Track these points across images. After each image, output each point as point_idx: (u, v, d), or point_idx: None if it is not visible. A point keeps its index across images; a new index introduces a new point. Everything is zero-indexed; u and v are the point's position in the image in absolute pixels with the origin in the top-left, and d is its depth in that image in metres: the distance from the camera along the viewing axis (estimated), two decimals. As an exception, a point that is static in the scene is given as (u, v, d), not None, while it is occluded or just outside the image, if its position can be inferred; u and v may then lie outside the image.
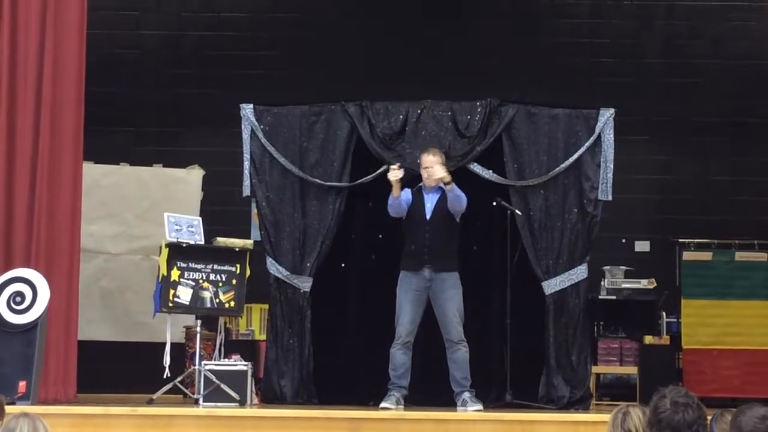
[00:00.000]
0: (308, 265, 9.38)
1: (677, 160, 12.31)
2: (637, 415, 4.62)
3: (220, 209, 11.33)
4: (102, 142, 10.97)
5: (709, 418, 4.58)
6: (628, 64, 12.24)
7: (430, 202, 8.81)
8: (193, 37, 12.35)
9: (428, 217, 8.78)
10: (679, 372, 11.13)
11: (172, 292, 8.89)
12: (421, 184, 8.86)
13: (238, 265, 9.14)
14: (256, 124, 9.51)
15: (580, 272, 9.34)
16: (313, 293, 9.38)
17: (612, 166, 9.38)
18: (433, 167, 8.66)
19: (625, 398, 10.15)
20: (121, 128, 11.98)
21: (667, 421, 4.35)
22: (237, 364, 8.91)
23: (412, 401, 8.71)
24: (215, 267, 9.07)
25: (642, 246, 12.19)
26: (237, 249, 9.20)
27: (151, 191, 11.75)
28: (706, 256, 11.52)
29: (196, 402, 8.71)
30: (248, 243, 9.39)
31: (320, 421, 7.84)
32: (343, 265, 9.83)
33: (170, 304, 8.91)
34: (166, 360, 8.88)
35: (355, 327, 9.81)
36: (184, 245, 8.99)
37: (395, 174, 8.62)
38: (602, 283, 11.23)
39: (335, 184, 9.45)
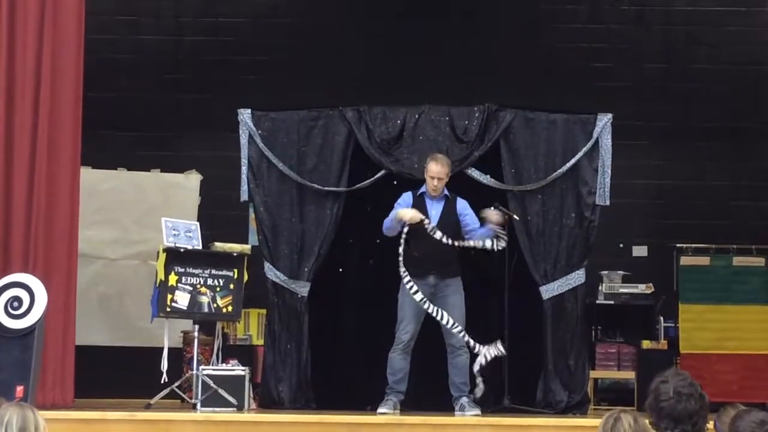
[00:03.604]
0: (306, 270, 9.37)
1: (675, 165, 12.29)
2: (628, 422, 4.57)
3: (218, 214, 11.31)
4: (100, 147, 10.97)
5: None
6: (625, 68, 12.23)
7: (435, 209, 8.74)
8: (191, 42, 12.34)
9: (433, 224, 8.70)
10: (677, 377, 11.12)
11: (169, 297, 8.89)
12: (423, 190, 8.83)
13: (235, 270, 9.14)
14: (254, 129, 9.51)
15: (578, 277, 9.34)
16: (310, 298, 9.37)
17: (610, 171, 9.39)
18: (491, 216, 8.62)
19: (623, 403, 10.13)
20: (119, 133, 11.96)
21: (668, 410, 4.30)
22: (235, 369, 8.90)
23: (409, 406, 8.70)
24: (213, 272, 9.06)
25: (640, 251, 12.17)
26: (235, 254, 9.20)
27: (148, 196, 11.74)
28: (704, 260, 11.51)
29: (193, 407, 8.70)
30: (246, 248, 9.39)
31: (317, 426, 7.84)
32: (341, 269, 9.81)
33: (168, 309, 8.91)
34: (164, 365, 8.89)
35: (352, 332, 9.80)
36: (182, 250, 8.99)
37: (413, 218, 8.53)
38: (600, 287, 11.22)
39: (333, 189, 9.44)
